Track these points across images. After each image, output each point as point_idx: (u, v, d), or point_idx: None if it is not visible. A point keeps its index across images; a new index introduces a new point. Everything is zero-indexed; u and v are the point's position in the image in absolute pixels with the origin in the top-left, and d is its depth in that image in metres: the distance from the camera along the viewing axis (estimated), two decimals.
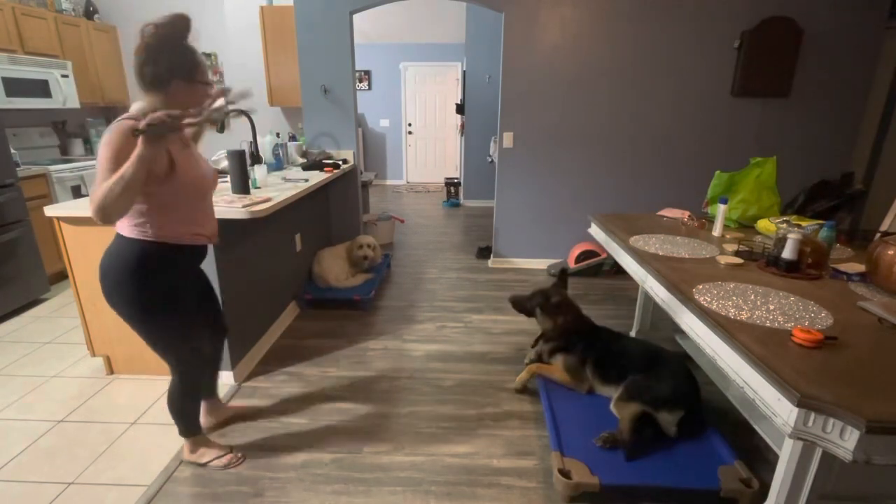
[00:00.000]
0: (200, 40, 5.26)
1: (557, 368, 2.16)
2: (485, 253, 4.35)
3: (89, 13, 4.49)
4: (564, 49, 3.58)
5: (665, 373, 1.89)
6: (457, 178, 7.15)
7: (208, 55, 4.84)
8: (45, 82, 3.78)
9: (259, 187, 2.71)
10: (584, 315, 2.28)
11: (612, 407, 1.90)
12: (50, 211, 2.13)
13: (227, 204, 2.16)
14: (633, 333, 2.72)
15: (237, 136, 4.20)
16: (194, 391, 1.77)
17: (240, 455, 1.83)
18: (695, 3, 3.43)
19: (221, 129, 2.87)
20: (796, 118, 3.61)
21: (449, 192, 6.98)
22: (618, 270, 3.81)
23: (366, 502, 1.65)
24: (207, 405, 1.98)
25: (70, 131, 4.44)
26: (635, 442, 1.72)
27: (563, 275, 2.40)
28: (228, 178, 2.51)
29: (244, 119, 2.85)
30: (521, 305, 2.33)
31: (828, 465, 1.15)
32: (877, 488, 1.23)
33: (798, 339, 1.18)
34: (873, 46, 3.45)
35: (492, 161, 6.00)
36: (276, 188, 2.68)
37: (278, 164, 3.49)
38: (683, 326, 1.49)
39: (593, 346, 2.13)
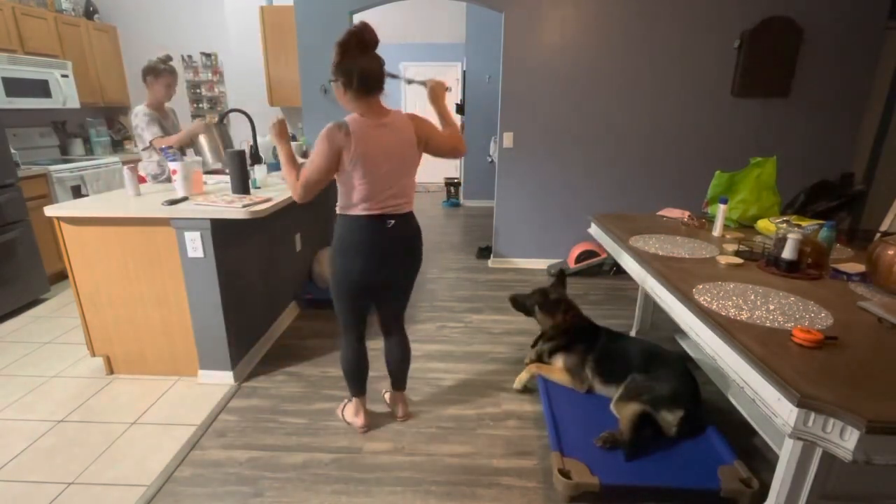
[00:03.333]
0: (200, 40, 5.27)
1: (557, 368, 2.16)
2: (485, 253, 4.35)
3: (89, 13, 4.49)
4: (564, 49, 3.58)
5: (665, 373, 1.89)
6: (457, 178, 7.14)
7: (208, 55, 4.84)
8: (45, 82, 3.78)
9: (259, 187, 2.71)
10: (583, 315, 2.28)
11: (612, 407, 1.90)
12: (50, 211, 2.14)
13: (227, 204, 2.16)
14: (633, 333, 2.72)
15: (237, 136, 4.21)
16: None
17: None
18: (694, 2, 3.43)
19: None
20: (796, 118, 3.61)
21: (449, 191, 6.98)
22: (618, 270, 3.81)
23: (366, 502, 1.65)
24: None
25: (70, 131, 4.44)
26: (635, 442, 1.72)
27: (561, 275, 2.41)
28: (229, 178, 2.51)
29: (244, 119, 2.86)
30: (521, 304, 2.36)
31: (828, 465, 1.15)
32: (877, 488, 1.23)
33: (798, 339, 1.18)
34: (873, 46, 3.45)
35: (492, 161, 6.00)
36: (276, 188, 2.68)
37: (278, 165, 3.48)
38: (683, 326, 1.49)
39: (593, 346, 2.13)
